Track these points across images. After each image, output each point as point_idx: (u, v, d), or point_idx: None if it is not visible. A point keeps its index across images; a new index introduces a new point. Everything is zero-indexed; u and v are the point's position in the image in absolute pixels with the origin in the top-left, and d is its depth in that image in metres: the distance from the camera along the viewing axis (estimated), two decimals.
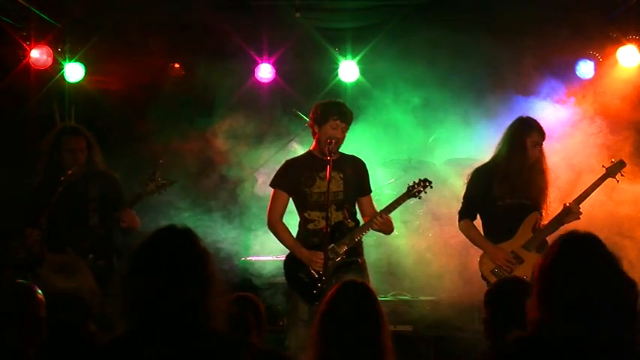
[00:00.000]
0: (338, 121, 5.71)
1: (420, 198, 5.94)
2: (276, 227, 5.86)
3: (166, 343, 2.71)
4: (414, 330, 7.01)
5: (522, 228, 5.97)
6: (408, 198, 5.84)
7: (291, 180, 5.83)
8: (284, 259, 5.94)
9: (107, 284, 4.25)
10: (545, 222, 6.00)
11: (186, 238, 2.83)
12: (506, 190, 5.96)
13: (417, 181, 5.90)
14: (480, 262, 6.02)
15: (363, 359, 3.25)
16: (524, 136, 5.95)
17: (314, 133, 5.83)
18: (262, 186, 7.62)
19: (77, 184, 5.86)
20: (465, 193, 6.19)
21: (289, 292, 5.88)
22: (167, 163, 7.68)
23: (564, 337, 2.71)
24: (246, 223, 8.25)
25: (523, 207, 5.98)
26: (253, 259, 7.83)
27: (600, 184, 6.12)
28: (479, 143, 7.96)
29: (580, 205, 5.97)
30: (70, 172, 5.78)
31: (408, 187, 5.87)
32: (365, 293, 3.43)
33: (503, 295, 3.72)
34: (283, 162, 6.04)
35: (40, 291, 3.32)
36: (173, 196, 7.76)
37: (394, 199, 5.86)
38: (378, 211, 5.79)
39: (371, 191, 6.02)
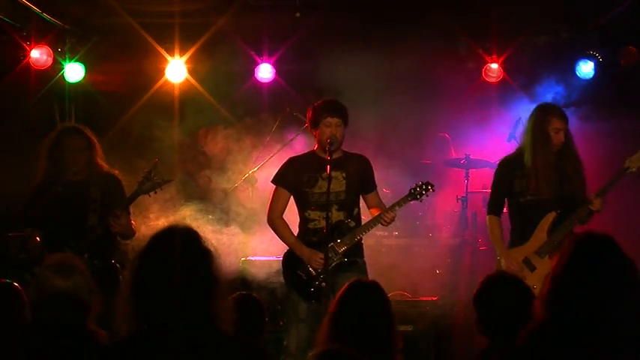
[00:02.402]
0: (329, 118, 5.65)
1: (421, 201, 5.91)
2: (277, 224, 5.86)
3: (172, 345, 2.68)
4: (414, 330, 7.00)
5: (537, 231, 5.64)
6: (410, 200, 5.83)
7: (293, 179, 5.82)
8: (282, 256, 5.94)
9: (104, 284, 4.23)
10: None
11: (188, 237, 2.81)
12: (526, 185, 5.67)
13: (419, 184, 5.85)
14: (498, 264, 5.76)
15: (375, 359, 3.22)
16: (546, 125, 5.61)
17: (314, 136, 5.83)
18: (262, 186, 7.61)
19: (79, 185, 5.83)
20: (491, 187, 5.98)
21: (288, 290, 5.87)
22: (167, 163, 7.70)
23: (574, 337, 2.72)
24: (245, 223, 8.24)
25: (544, 205, 5.63)
26: (253, 259, 7.82)
27: (620, 177, 5.68)
28: (478, 143, 7.97)
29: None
30: (70, 172, 5.78)
31: (410, 190, 5.83)
32: (377, 293, 3.42)
33: (491, 294, 3.70)
34: (287, 160, 6.02)
35: (23, 291, 3.30)
36: (173, 195, 7.76)
37: (396, 200, 5.83)
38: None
39: (376, 187, 5.97)
